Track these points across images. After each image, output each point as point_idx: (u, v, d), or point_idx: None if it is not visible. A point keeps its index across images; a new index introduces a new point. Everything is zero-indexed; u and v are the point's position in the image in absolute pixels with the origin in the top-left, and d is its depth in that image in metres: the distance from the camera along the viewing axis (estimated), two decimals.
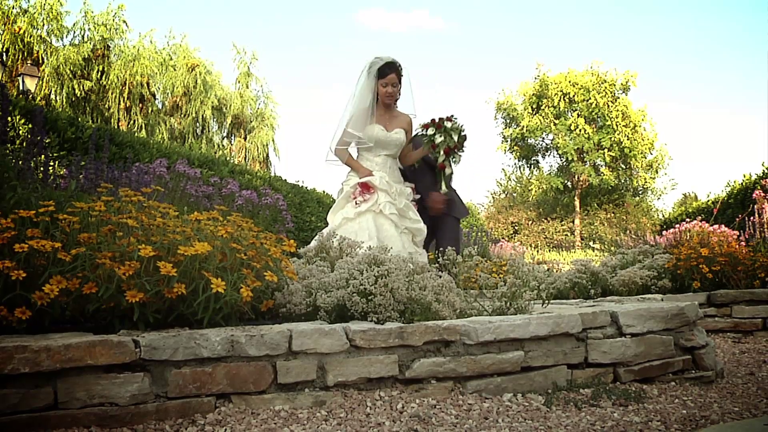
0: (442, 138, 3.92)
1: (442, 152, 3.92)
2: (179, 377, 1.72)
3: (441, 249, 3.59)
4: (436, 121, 3.96)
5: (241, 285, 1.91)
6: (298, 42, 35.13)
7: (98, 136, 4.67)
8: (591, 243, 21.03)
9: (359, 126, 3.98)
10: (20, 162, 2.59)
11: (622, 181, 25.34)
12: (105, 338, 1.66)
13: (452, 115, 3.99)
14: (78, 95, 16.67)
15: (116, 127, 15.72)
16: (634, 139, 24.08)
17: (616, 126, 24.09)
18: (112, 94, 17.30)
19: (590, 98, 24.29)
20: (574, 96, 24.51)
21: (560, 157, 25.76)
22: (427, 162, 4.14)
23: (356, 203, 3.92)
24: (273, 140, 21.61)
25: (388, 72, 3.97)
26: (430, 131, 3.93)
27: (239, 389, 1.79)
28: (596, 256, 12.57)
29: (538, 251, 18.76)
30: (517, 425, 1.80)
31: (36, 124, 2.86)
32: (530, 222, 25.82)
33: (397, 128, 4.03)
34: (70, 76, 16.40)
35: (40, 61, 16.00)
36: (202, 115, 19.61)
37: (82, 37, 17.43)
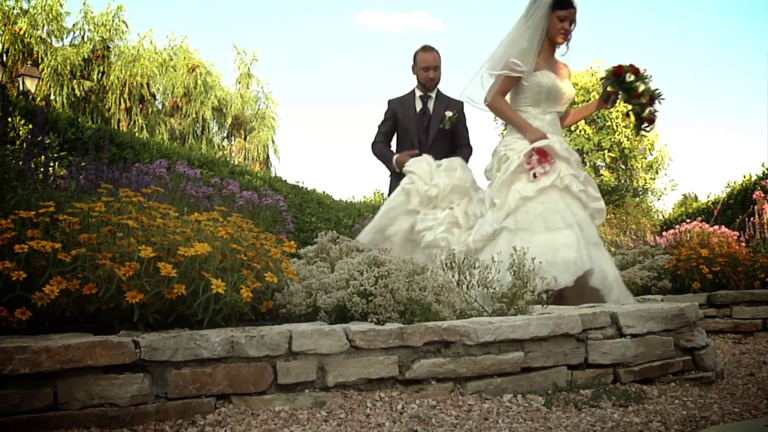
0: (645, 86, 3.25)
1: (645, 102, 3.24)
2: (179, 378, 1.72)
3: None
4: (627, 66, 3.27)
5: (241, 286, 1.91)
6: (297, 43, 35.17)
7: (98, 137, 4.67)
8: None
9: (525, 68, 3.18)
10: (20, 163, 2.59)
11: (622, 181, 25.35)
12: (105, 339, 1.66)
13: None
14: (78, 96, 16.67)
15: (116, 127, 15.72)
16: (635, 140, 24.08)
17: (616, 127, 24.10)
18: (112, 94, 17.30)
19: (590, 99, 24.28)
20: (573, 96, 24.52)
21: None
22: None
23: (534, 175, 3.12)
24: (273, 141, 21.62)
25: (569, 4, 3.20)
26: (629, 77, 3.24)
27: (239, 390, 1.79)
28: None
29: None
30: (517, 426, 1.80)
31: (36, 124, 2.86)
32: None
33: (566, 79, 3.36)
34: (70, 76, 16.40)
35: (40, 62, 16.00)
36: (203, 116, 19.61)
37: (82, 37, 17.43)
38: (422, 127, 3.98)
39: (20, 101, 6.65)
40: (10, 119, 2.76)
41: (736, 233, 5.06)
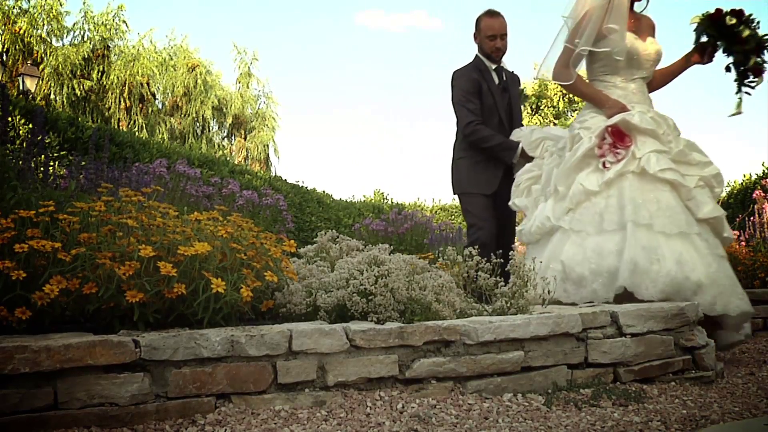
0: (750, 31, 2.75)
1: (751, 49, 2.75)
2: (179, 377, 1.72)
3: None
4: (727, 10, 2.80)
5: (241, 285, 1.91)
6: (297, 42, 35.14)
7: (98, 136, 4.67)
8: None
9: (591, 34, 2.74)
10: (20, 162, 2.59)
11: None
12: (105, 338, 1.66)
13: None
14: (78, 95, 16.67)
15: (116, 127, 15.72)
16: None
17: None
18: (112, 94, 17.29)
19: None
20: (573, 96, 24.50)
21: None
22: None
23: (604, 165, 2.72)
24: (273, 140, 21.61)
25: None
26: (730, 21, 2.75)
27: (239, 389, 1.79)
28: None
29: None
30: (517, 425, 1.80)
31: (36, 124, 2.86)
32: None
33: (649, 36, 2.89)
34: (70, 76, 16.39)
35: (40, 61, 16.00)
36: (203, 115, 19.61)
37: (82, 37, 17.42)
38: (504, 104, 3.43)
39: (20, 101, 6.65)
40: (10, 119, 2.76)
41: (736, 232, 5.06)
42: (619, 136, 2.69)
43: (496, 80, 3.45)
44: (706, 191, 2.77)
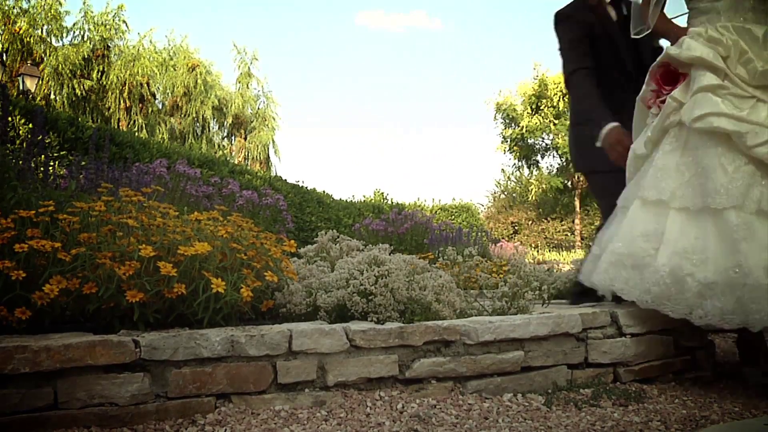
0: None
1: None
2: (179, 377, 1.72)
3: None
4: None
5: (241, 285, 1.91)
6: (297, 43, 35.15)
7: (98, 136, 4.67)
8: (591, 243, 21.03)
9: None
10: (20, 162, 2.59)
11: None
12: (105, 338, 1.66)
13: None
14: (78, 95, 16.68)
15: (116, 127, 15.73)
16: None
17: None
18: (112, 94, 17.31)
19: None
20: None
21: (560, 158, 25.76)
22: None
23: (652, 115, 2.29)
24: (273, 140, 21.64)
25: None
26: None
27: (239, 389, 1.79)
28: None
29: (538, 251, 18.77)
30: (517, 425, 1.80)
31: (36, 124, 2.86)
32: (530, 222, 25.84)
33: None
34: (70, 76, 16.40)
35: (40, 61, 16.01)
36: (203, 115, 19.63)
37: (82, 37, 17.45)
38: (632, 54, 2.66)
39: (20, 101, 6.66)
40: (10, 119, 2.76)
41: None
42: (666, 77, 2.22)
43: (615, 16, 2.68)
44: None
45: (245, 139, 21.07)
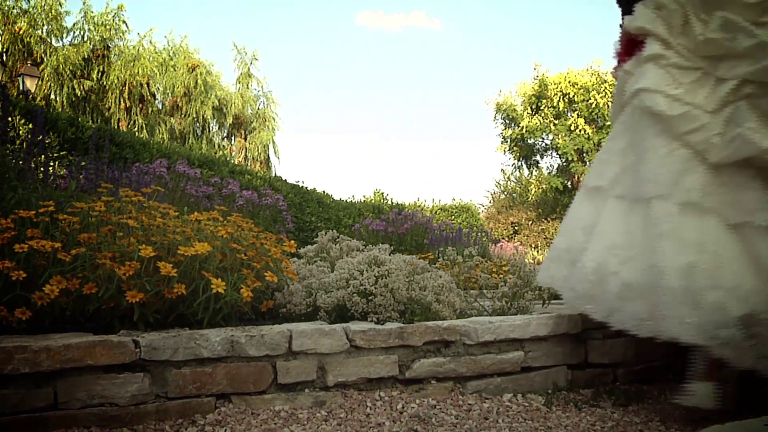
0: None
1: None
2: (179, 377, 1.72)
3: None
4: None
5: (241, 285, 1.91)
6: (297, 43, 35.14)
7: (98, 137, 4.67)
8: None
9: None
10: (20, 162, 2.59)
11: None
12: (105, 338, 1.66)
13: None
14: (78, 95, 16.67)
15: (116, 127, 15.73)
16: None
17: None
18: (112, 94, 17.30)
19: (590, 98, 24.28)
20: (573, 96, 24.50)
21: (560, 158, 25.76)
22: None
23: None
24: (273, 140, 21.62)
25: None
26: None
27: (239, 389, 1.79)
28: None
29: (538, 251, 18.77)
30: (517, 425, 1.80)
31: (36, 124, 2.86)
32: (530, 222, 25.82)
33: None
34: (70, 76, 16.40)
35: (40, 62, 16.01)
36: (203, 116, 19.61)
37: (82, 37, 17.43)
38: None
39: (20, 101, 6.65)
40: (10, 119, 2.76)
41: None
42: (630, 47, 2.02)
43: None
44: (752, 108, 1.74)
45: (245, 139, 21.06)
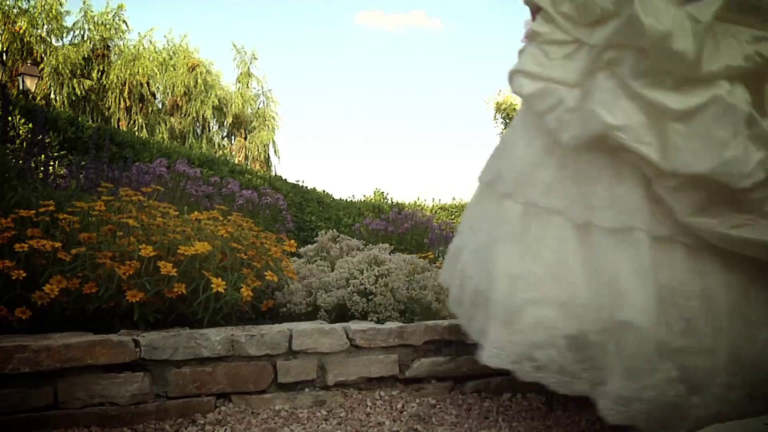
0: None
1: None
2: (179, 377, 1.72)
3: None
4: None
5: (241, 285, 1.91)
6: (297, 43, 35.16)
7: (98, 136, 4.67)
8: None
9: None
10: (20, 162, 2.59)
11: None
12: (105, 338, 1.66)
13: None
14: (78, 95, 16.68)
15: (116, 126, 15.73)
16: None
17: None
18: (112, 93, 17.30)
19: None
20: None
21: None
22: None
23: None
24: (273, 140, 21.63)
25: None
26: None
27: (239, 389, 1.79)
28: None
29: None
30: (517, 425, 1.80)
31: (36, 123, 2.87)
32: None
33: None
34: (70, 75, 16.40)
35: (40, 61, 16.01)
36: (203, 115, 19.62)
37: (82, 36, 17.44)
38: None
39: (20, 100, 6.65)
40: (10, 118, 2.77)
41: None
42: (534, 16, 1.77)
43: None
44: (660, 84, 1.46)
45: (245, 138, 21.06)
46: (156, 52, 19.00)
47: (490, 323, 1.56)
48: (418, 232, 5.98)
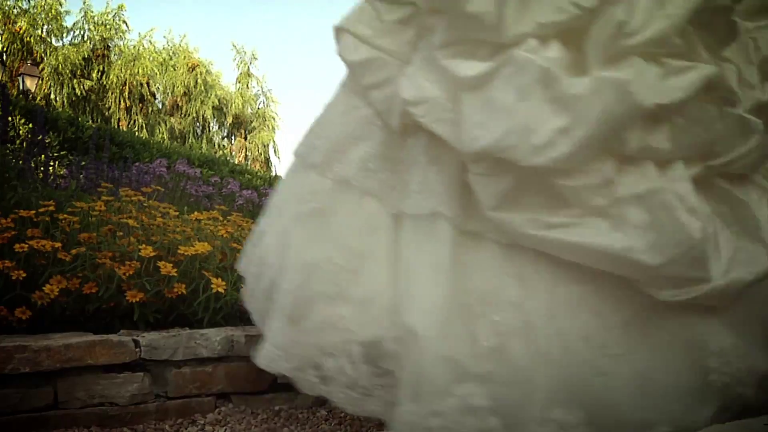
0: None
1: None
2: (179, 377, 1.72)
3: None
4: None
5: (241, 285, 1.91)
6: (297, 42, 35.20)
7: (98, 136, 4.68)
8: None
9: None
10: (20, 162, 2.59)
11: None
12: (105, 338, 1.66)
13: None
14: (78, 95, 16.69)
15: (116, 126, 15.73)
16: None
17: None
18: (112, 94, 17.32)
19: None
20: None
21: None
22: None
23: None
24: (273, 140, 21.64)
25: None
26: None
27: (239, 389, 1.79)
28: None
29: None
30: None
31: (36, 123, 2.87)
32: None
33: None
34: (70, 75, 16.41)
35: (40, 61, 16.02)
36: (203, 115, 19.63)
37: (82, 36, 17.45)
38: None
39: (20, 100, 6.66)
40: (10, 118, 2.77)
41: None
42: None
43: None
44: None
45: (245, 138, 21.07)
46: (156, 53, 19.01)
47: (275, 317, 1.29)
48: None
